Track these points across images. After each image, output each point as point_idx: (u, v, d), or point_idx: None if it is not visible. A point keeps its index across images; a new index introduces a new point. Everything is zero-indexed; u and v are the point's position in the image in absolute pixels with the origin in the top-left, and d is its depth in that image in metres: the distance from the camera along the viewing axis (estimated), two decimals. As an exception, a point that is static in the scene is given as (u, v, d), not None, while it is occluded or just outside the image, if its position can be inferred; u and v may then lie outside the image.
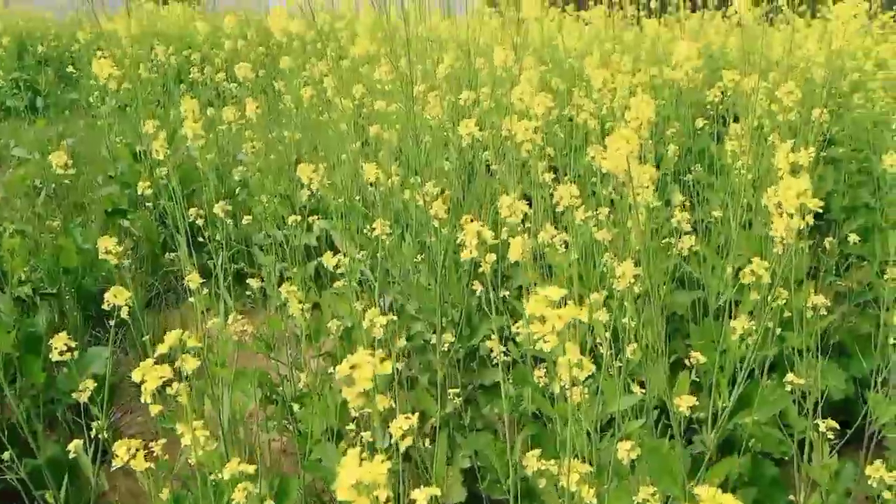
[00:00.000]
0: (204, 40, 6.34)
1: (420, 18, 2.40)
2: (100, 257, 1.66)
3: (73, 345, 1.53)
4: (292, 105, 2.84)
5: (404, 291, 2.76)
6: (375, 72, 2.92)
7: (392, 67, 2.31)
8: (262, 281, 3.21)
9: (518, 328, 1.69)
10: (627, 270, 1.31)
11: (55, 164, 2.09)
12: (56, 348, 1.52)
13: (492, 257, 1.05)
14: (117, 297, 1.45)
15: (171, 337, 0.87)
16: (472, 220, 2.13)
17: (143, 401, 0.92)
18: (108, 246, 1.58)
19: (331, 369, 2.68)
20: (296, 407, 2.39)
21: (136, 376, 0.93)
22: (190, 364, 0.89)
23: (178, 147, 4.94)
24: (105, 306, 1.52)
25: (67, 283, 3.73)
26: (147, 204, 4.41)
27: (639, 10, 8.70)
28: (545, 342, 0.70)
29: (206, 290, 2.11)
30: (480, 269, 2.14)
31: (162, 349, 0.89)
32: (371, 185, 2.07)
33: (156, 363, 0.96)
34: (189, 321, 4.10)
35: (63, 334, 1.52)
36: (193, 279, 1.78)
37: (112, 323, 2.55)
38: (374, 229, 2.29)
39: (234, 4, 8.70)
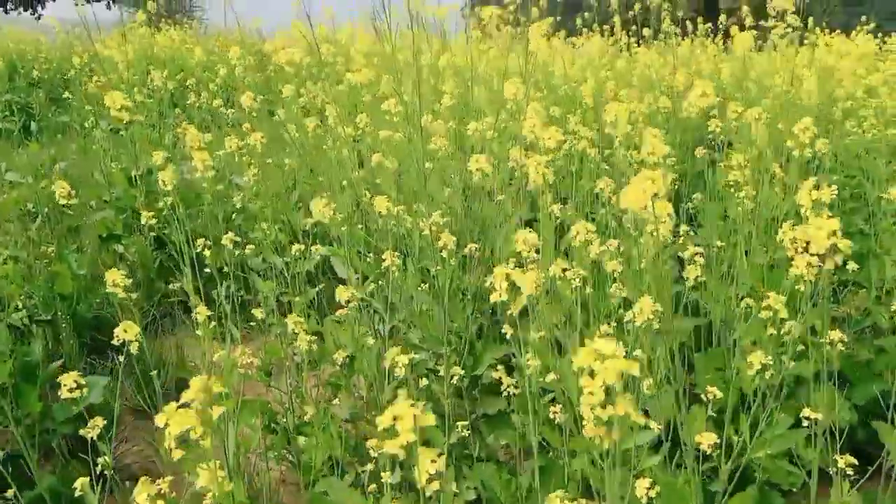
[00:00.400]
0: (196, 64, 6.35)
1: (423, 47, 2.41)
2: (107, 289, 1.65)
3: (82, 382, 1.51)
4: (293, 131, 2.84)
5: (406, 319, 2.75)
6: (374, 97, 2.94)
7: (399, 99, 2.32)
8: (261, 307, 3.19)
9: (528, 361, 1.68)
10: (646, 307, 1.31)
11: (58, 193, 2.08)
12: (65, 386, 1.49)
13: (522, 300, 1.05)
14: (127, 333, 1.44)
15: (197, 385, 0.86)
16: (475, 249, 2.13)
17: (166, 447, 0.91)
18: (115, 279, 1.57)
19: (335, 401, 2.66)
20: (299, 438, 2.37)
21: (159, 421, 0.91)
22: (216, 412, 0.88)
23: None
24: (115, 341, 1.50)
25: (62, 310, 3.69)
26: (144, 230, 4.39)
27: (629, 36, 8.80)
28: (590, 394, 0.69)
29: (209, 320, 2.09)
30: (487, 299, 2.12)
31: (188, 397, 0.87)
32: (380, 215, 2.06)
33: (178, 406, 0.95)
34: (186, 346, 4.06)
35: (74, 373, 1.50)
36: (201, 311, 1.77)
37: (120, 356, 2.53)
38: (376, 256, 2.28)
39: (223, 28, 8.74)
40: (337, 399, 2.71)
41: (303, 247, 2.37)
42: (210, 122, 4.98)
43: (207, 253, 2.15)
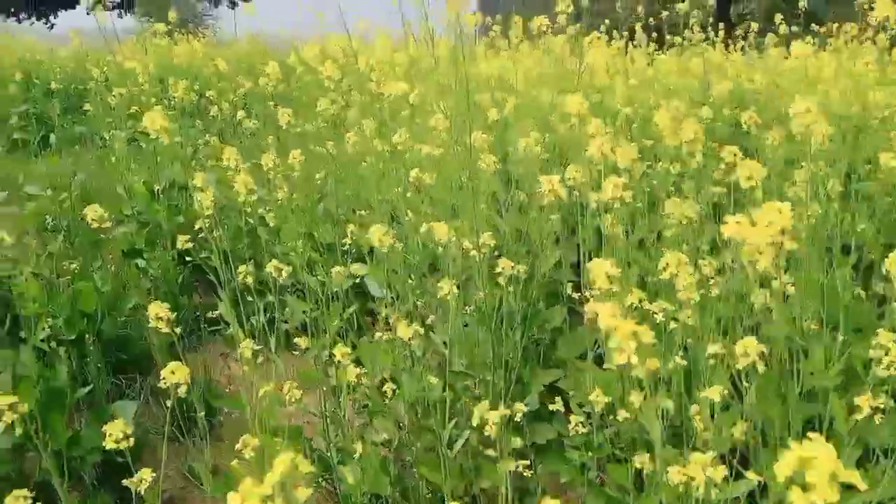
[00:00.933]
0: (217, 74, 6.27)
1: (468, 57, 2.30)
2: (151, 324, 1.54)
3: (129, 431, 1.40)
4: (329, 147, 2.74)
5: (450, 343, 2.63)
6: (412, 108, 2.83)
7: (445, 116, 2.21)
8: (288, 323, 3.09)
9: (596, 397, 1.57)
10: (751, 348, 1.19)
11: (89, 217, 1.98)
12: (112, 435, 1.39)
13: (655, 363, 0.94)
14: (175, 374, 1.33)
15: (281, 465, 0.75)
16: (523, 272, 1.99)
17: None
18: (158, 313, 1.47)
19: (374, 426, 2.55)
20: (339, 466, 2.26)
21: (233, 502, 0.80)
22: (302, 494, 0.77)
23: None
24: (162, 384, 1.39)
25: (87, 329, 3.60)
26: (167, 245, 4.31)
27: (649, 43, 8.67)
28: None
29: (250, 346, 1.99)
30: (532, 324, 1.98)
31: (268, 484, 0.76)
32: (438, 242, 1.95)
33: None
34: (211, 365, 3.96)
35: (120, 422, 1.39)
36: (246, 348, 1.66)
37: (147, 378, 2.40)
38: (414, 276, 2.16)
39: (235, 36, 8.67)
40: (375, 425, 2.61)
41: (343, 269, 2.26)
42: (231, 134, 4.89)
43: (250, 280, 2.04)
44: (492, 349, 2.31)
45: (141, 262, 4.62)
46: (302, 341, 2.14)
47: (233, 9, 33.97)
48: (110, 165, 5.21)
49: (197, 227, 1.96)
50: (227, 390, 3.87)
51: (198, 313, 4.38)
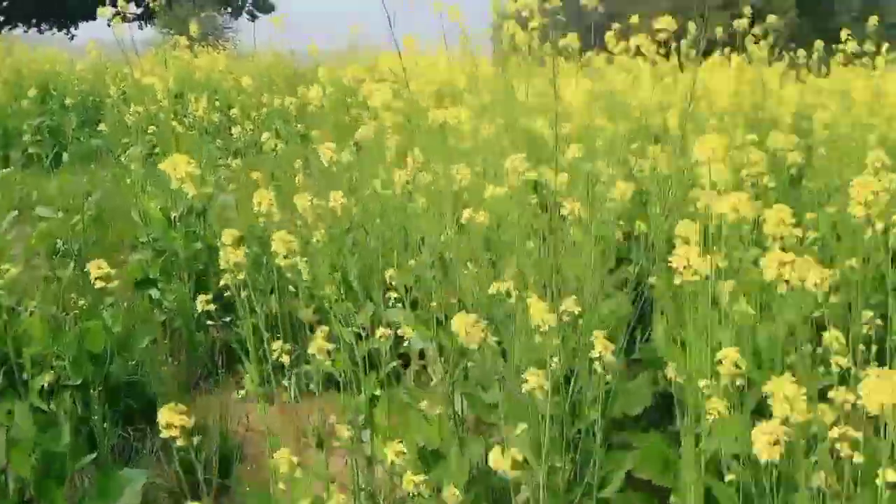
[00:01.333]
0: (239, 90, 5.98)
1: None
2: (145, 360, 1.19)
3: None
4: (377, 186, 2.41)
5: (507, 412, 2.26)
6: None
7: (523, 160, 1.87)
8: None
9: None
10: None
11: (93, 274, 1.65)
12: None
13: None
14: (174, 428, 0.98)
15: None
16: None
17: None
18: (171, 420, 1.12)
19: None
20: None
21: None
22: None
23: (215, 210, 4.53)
24: (163, 434, 1.05)
25: (93, 374, 3.27)
26: (184, 276, 3.99)
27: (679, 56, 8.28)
28: None
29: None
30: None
31: None
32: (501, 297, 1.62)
33: None
34: (228, 410, 3.62)
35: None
36: (283, 461, 1.31)
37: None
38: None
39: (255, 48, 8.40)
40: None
41: (388, 331, 1.92)
42: (255, 154, 4.58)
43: (286, 359, 1.70)
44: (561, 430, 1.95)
45: (155, 293, 4.30)
46: (343, 431, 1.79)
47: (252, 21, 33.95)
48: (125, 186, 4.90)
49: (222, 283, 1.62)
50: (244, 440, 3.52)
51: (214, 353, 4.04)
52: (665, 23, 2.16)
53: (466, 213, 2.24)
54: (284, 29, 3.36)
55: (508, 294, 1.75)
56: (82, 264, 4.83)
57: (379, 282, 2.59)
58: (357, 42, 8.64)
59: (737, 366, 1.31)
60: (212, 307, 1.81)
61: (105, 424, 3.10)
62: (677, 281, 1.28)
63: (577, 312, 1.63)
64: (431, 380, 2.99)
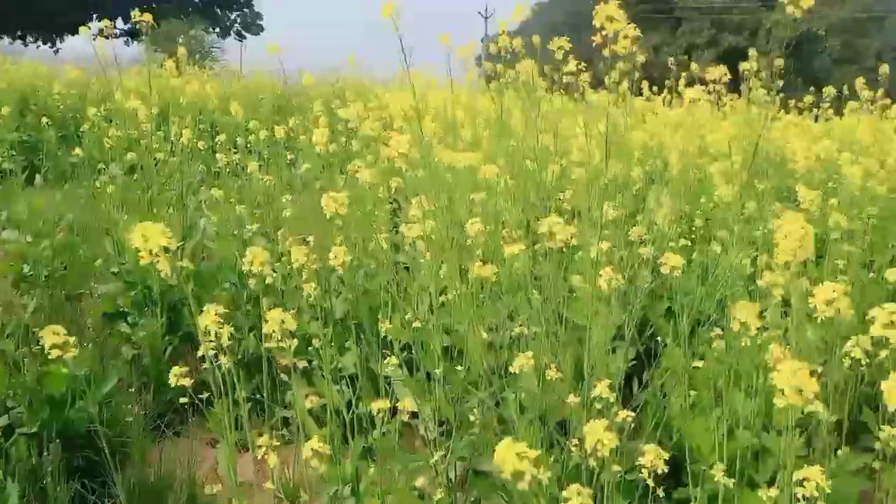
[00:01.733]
0: (223, 111, 5.75)
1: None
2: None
3: None
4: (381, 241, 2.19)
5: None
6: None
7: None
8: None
9: None
10: None
11: (47, 344, 1.40)
12: None
13: None
14: None
15: None
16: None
17: None
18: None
19: None
20: None
21: None
22: None
23: (194, 240, 4.28)
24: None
25: (50, 420, 2.99)
26: (157, 312, 3.73)
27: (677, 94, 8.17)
28: None
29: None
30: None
31: None
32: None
33: None
34: (196, 455, 3.34)
35: None
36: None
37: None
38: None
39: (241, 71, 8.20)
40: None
41: (386, 405, 1.69)
42: (242, 186, 4.35)
43: (272, 461, 1.46)
44: None
45: (125, 327, 4.02)
46: (316, 462, 1.52)
47: (240, 41, 33.69)
48: (101, 212, 4.63)
49: (200, 353, 1.39)
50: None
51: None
52: (718, 72, 1.99)
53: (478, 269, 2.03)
54: (279, 50, 3.15)
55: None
56: (50, 293, 4.55)
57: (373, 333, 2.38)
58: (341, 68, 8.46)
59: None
60: (186, 381, 1.56)
61: (59, 479, 2.80)
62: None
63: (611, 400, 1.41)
64: (419, 433, 2.75)
